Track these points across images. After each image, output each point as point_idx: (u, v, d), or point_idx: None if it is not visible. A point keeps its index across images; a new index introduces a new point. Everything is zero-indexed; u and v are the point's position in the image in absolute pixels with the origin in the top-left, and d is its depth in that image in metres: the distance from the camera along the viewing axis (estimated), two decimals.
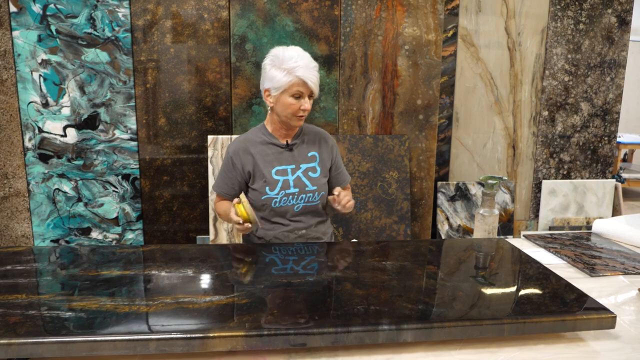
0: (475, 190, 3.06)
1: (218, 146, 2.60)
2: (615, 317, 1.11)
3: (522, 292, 1.22)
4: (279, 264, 1.37)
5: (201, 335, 0.95)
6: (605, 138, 3.25)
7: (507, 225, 3.20)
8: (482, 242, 1.62)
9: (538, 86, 3.12)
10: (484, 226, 1.69)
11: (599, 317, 1.10)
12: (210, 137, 2.58)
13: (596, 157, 3.28)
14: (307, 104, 1.65)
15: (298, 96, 1.64)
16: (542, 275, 1.34)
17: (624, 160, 6.86)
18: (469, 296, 1.18)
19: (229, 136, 2.60)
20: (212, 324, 1.00)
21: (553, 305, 1.14)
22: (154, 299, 1.09)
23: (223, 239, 2.64)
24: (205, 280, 1.22)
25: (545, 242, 1.79)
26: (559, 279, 1.30)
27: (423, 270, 1.38)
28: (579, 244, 1.77)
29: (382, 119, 2.81)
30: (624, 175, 5.85)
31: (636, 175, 6.09)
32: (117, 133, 2.49)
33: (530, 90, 3.12)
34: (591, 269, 1.52)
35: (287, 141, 1.77)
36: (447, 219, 3.05)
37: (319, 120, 2.72)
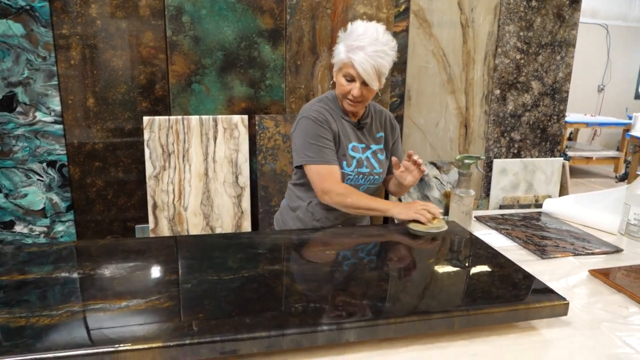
0: (428, 170, 3.01)
1: (155, 128, 2.41)
2: (568, 304, 1.05)
3: (473, 280, 1.14)
4: (211, 257, 1.23)
5: (110, 349, 0.82)
6: (555, 117, 3.27)
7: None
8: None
9: (490, 64, 3.08)
10: (461, 207, 1.61)
11: (552, 304, 1.04)
12: (146, 119, 2.39)
13: (545, 135, 3.29)
14: (356, 89, 1.48)
15: (350, 79, 1.48)
16: (494, 261, 1.27)
17: (569, 139, 7.07)
18: (417, 287, 1.10)
19: (167, 117, 2.41)
20: (124, 334, 0.86)
21: (506, 294, 1.07)
22: (58, 308, 0.94)
23: (164, 228, 2.47)
24: (121, 281, 1.07)
25: (496, 223, 1.73)
26: (511, 264, 1.23)
27: (368, 259, 1.28)
28: (529, 224, 1.72)
29: None
30: (569, 153, 6.01)
31: (580, 154, 6.28)
32: (39, 115, 2.25)
33: (482, 68, 3.07)
34: (542, 251, 1.47)
35: (357, 119, 1.63)
36: (400, 200, 2.99)
37: (265, 99, 2.57)
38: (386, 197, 2.93)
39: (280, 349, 0.90)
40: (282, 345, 0.89)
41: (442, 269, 1.22)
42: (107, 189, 2.48)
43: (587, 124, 6.59)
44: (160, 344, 0.84)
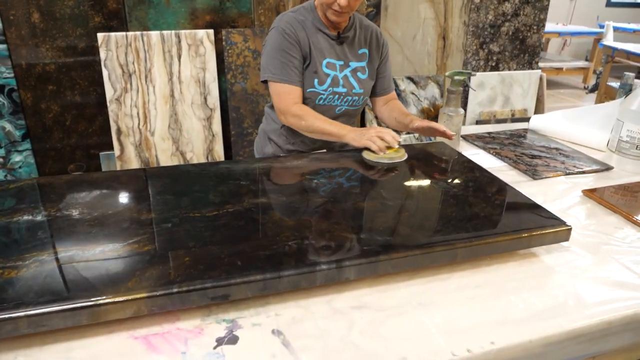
0: (404, 86, 2.89)
1: (112, 46, 2.18)
2: (571, 229, 1.01)
3: (472, 207, 1.09)
4: (190, 191, 1.13)
5: (88, 302, 0.73)
6: (535, 27, 3.14)
7: (435, 120, 3.09)
8: (420, 147, 1.47)
9: None
10: (450, 127, 1.53)
11: (555, 231, 1.00)
12: (100, 36, 2.15)
13: (524, 47, 3.18)
14: None
15: None
16: (490, 184, 1.21)
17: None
18: (415, 217, 1.04)
19: (123, 33, 2.18)
20: (102, 285, 0.77)
21: (507, 221, 1.02)
22: (24, 258, 0.83)
23: (130, 154, 2.33)
24: (93, 223, 0.96)
25: (484, 142, 1.67)
26: (509, 188, 1.18)
27: (361, 187, 1.21)
28: (517, 142, 1.67)
29: None
30: (540, 64, 5.94)
31: (551, 64, 6.22)
32: None
33: None
34: (533, 172, 1.42)
35: (338, 32, 1.47)
36: (376, 117, 2.89)
37: (231, 11, 2.35)
38: (362, 122, 2.82)
39: (275, 292, 0.84)
40: (279, 288, 0.83)
41: (436, 194, 1.16)
42: (65, 114, 2.29)
43: (560, 34, 6.48)
44: (145, 294, 0.75)
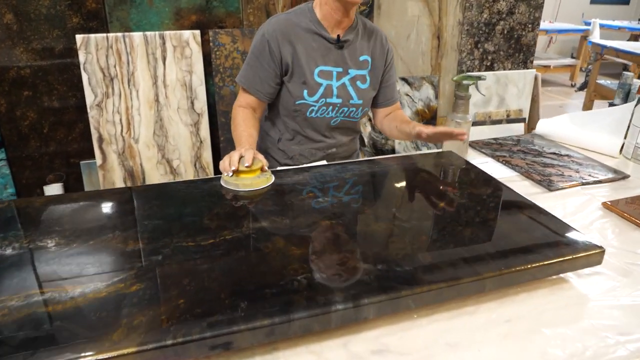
0: (398, 87, 2.79)
1: (91, 49, 2.05)
2: (604, 252, 0.92)
3: (494, 228, 0.99)
4: (181, 214, 1.02)
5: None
6: (529, 25, 3.07)
7: (430, 122, 3.01)
8: (429, 157, 1.37)
9: None
10: None
11: (587, 254, 0.90)
12: (79, 37, 2.01)
13: (519, 46, 3.11)
14: None
15: None
16: (509, 200, 1.12)
17: None
18: (435, 242, 0.94)
19: (104, 35, 2.04)
20: (82, 336, 0.66)
21: (534, 243, 0.93)
22: None
23: (113, 163, 2.19)
24: (71, 255, 0.84)
25: (491, 149, 1.58)
26: (531, 205, 1.08)
27: (370, 205, 1.10)
28: (526, 149, 1.58)
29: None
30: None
31: (538, 62, 6.19)
32: None
33: None
34: (548, 182, 1.33)
35: (338, 35, 1.34)
36: (369, 119, 2.80)
37: (218, 11, 2.22)
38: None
39: (284, 338, 0.73)
40: (288, 333, 0.72)
41: (454, 214, 1.06)
42: (42, 121, 2.15)
43: (547, 32, 6.46)
44: (133, 349, 0.64)
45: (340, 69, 1.36)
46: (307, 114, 1.37)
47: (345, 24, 1.34)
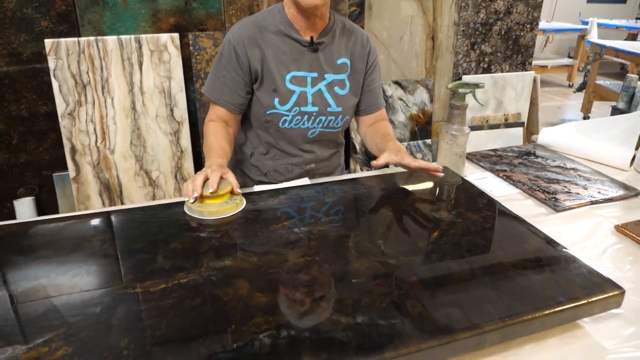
0: (391, 91, 2.66)
1: (62, 54, 1.91)
2: (624, 292, 0.79)
3: (496, 266, 0.85)
4: (129, 250, 0.88)
5: None
6: (528, 25, 2.94)
7: (425, 127, 2.88)
8: (419, 176, 1.23)
9: None
10: (454, 148, 1.28)
11: (605, 297, 0.77)
12: (48, 42, 1.87)
13: (517, 47, 2.98)
14: None
15: None
16: (512, 229, 0.98)
17: None
18: (426, 285, 0.80)
19: (75, 39, 1.90)
20: None
21: (543, 284, 0.79)
22: None
23: (87, 175, 2.06)
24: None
25: (490, 163, 1.45)
26: (538, 234, 0.95)
27: (353, 236, 0.96)
28: (529, 162, 1.45)
29: None
30: None
31: (535, 62, 6.07)
32: None
33: None
34: (554, 201, 1.20)
35: (311, 37, 1.21)
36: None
37: (198, 12, 2.09)
38: (347, 144, 2.58)
39: None
40: None
41: (446, 246, 0.92)
42: (10, 131, 2.01)
43: (544, 31, 6.34)
44: None
45: (315, 74, 1.23)
46: (280, 124, 1.24)
47: (319, 25, 1.21)
